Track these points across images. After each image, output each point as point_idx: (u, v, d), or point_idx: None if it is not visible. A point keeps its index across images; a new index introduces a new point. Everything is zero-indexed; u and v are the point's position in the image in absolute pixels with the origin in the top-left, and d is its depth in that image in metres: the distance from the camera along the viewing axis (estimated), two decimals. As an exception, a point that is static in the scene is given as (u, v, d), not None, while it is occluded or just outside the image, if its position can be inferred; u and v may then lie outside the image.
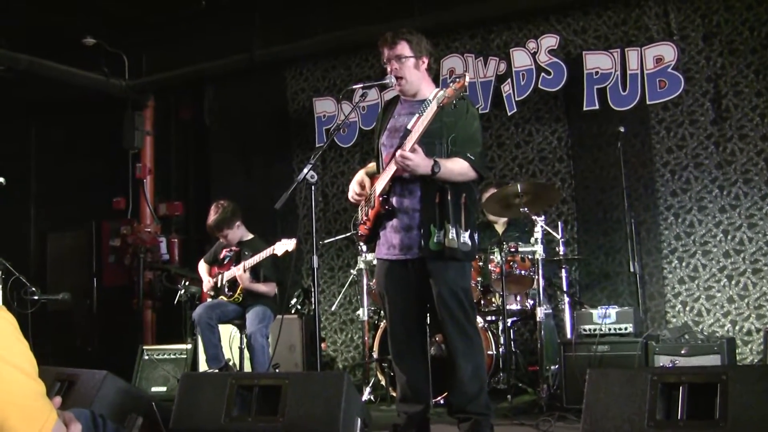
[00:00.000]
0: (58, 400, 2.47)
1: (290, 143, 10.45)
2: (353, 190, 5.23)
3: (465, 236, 4.88)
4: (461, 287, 4.96)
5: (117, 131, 11.23)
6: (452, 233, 4.81)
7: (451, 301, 4.88)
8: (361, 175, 5.27)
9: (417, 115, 4.89)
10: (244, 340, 7.60)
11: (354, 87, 6.21)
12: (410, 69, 5.04)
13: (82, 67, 10.70)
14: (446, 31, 9.26)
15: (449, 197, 4.84)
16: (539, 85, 8.68)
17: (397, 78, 5.04)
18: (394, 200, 4.98)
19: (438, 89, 5.07)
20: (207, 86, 11.18)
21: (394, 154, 4.87)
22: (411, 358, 5.14)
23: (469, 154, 4.87)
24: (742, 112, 7.92)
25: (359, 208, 5.27)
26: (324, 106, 10.05)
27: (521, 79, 8.77)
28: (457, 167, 4.84)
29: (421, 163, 4.70)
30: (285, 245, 7.32)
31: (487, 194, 7.40)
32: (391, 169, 4.89)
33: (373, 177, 5.20)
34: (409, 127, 4.89)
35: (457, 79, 4.64)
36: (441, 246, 4.82)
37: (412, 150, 4.70)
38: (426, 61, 5.09)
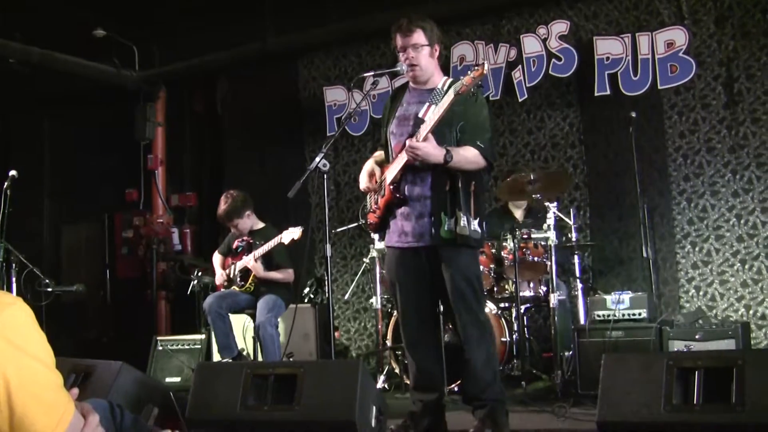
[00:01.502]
0: (75, 391, 2.47)
1: (302, 132, 10.45)
2: (364, 180, 5.23)
3: (474, 224, 4.90)
4: (474, 274, 5.00)
5: (129, 123, 11.24)
6: (463, 221, 4.83)
7: (465, 288, 4.90)
8: (370, 164, 5.27)
9: (428, 103, 4.91)
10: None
11: (365, 75, 6.23)
12: (425, 57, 5.03)
13: (93, 59, 10.71)
14: (457, 18, 9.23)
15: (459, 185, 4.86)
16: (550, 71, 8.65)
17: (411, 66, 5.03)
18: (405, 188, 4.98)
19: (447, 78, 5.12)
20: (219, 76, 11.18)
21: (405, 143, 4.88)
22: (424, 345, 5.15)
23: (478, 142, 4.87)
24: (755, 96, 7.89)
25: (368, 197, 5.28)
26: (334, 94, 10.05)
27: (532, 66, 8.75)
28: (470, 155, 4.84)
29: (432, 152, 4.71)
30: (291, 233, 7.32)
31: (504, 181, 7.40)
32: (403, 157, 4.90)
33: (382, 166, 5.21)
34: (420, 115, 4.90)
35: (476, 68, 4.65)
36: (452, 234, 4.83)
37: (424, 139, 4.71)
38: (438, 49, 5.09)
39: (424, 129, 4.75)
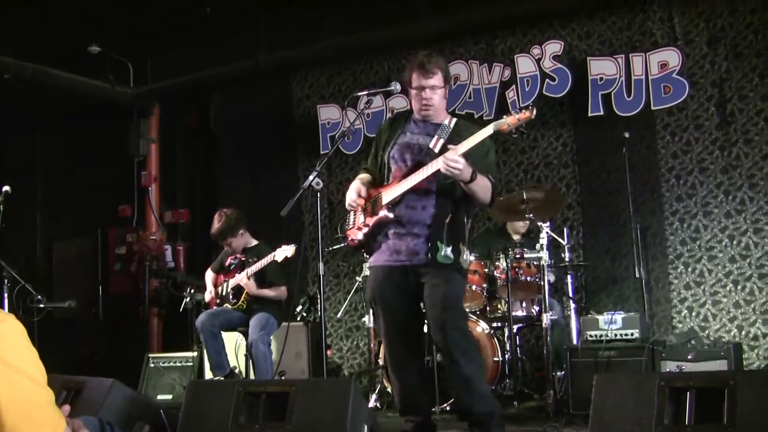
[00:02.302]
0: (66, 408, 2.47)
1: (296, 150, 10.44)
2: (351, 197, 5.24)
3: (467, 253, 5.11)
4: (460, 295, 5.16)
5: (122, 139, 11.23)
6: (466, 254, 5.04)
7: (453, 306, 4.96)
8: (357, 183, 5.28)
9: (437, 137, 5.06)
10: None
11: (359, 94, 6.23)
12: (440, 98, 5.15)
13: (87, 75, 10.71)
14: (451, 37, 9.26)
15: (460, 216, 5.04)
16: (544, 91, 8.68)
17: (427, 106, 5.11)
18: (404, 211, 5.02)
19: (451, 117, 5.26)
20: (212, 93, 11.19)
21: (413, 170, 4.98)
22: (411, 368, 5.17)
23: (490, 176, 4.97)
24: (747, 117, 7.92)
25: (351, 213, 5.31)
26: (328, 113, 10.06)
27: (526, 85, 8.78)
28: (485, 184, 4.93)
29: (464, 170, 4.74)
30: (284, 251, 7.33)
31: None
32: (409, 182, 4.96)
33: (371, 186, 5.24)
34: (431, 146, 5.03)
35: (523, 111, 4.70)
36: (449, 260, 4.93)
37: (461, 156, 4.75)
38: (448, 88, 5.23)
39: (461, 148, 4.77)
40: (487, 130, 4.76)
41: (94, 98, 11.05)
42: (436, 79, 5.08)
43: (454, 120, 5.18)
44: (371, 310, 6.14)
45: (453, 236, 4.96)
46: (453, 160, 4.69)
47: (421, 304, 5.07)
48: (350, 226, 5.29)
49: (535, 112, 4.72)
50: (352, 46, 9.80)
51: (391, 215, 5.02)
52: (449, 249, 4.92)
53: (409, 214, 5.02)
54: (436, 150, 4.97)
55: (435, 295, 4.93)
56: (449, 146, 4.86)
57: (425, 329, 5.39)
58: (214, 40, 10.62)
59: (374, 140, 5.48)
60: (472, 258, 5.06)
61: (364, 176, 5.38)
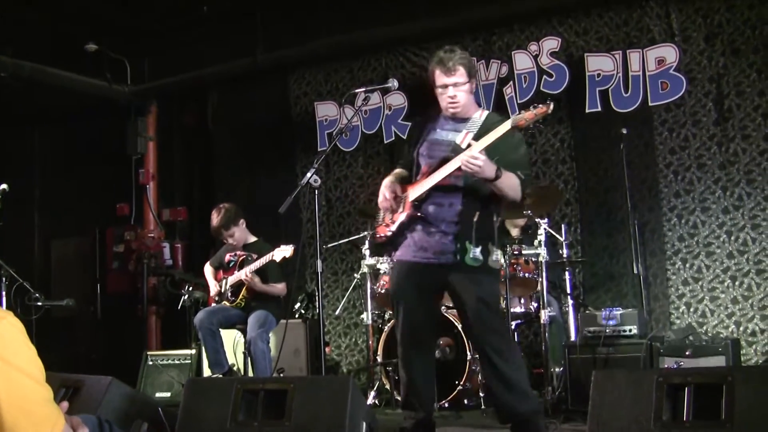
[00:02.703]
0: (65, 404, 2.47)
1: (294, 147, 10.45)
2: (383, 194, 5.20)
3: (498, 254, 5.04)
4: (495, 295, 5.07)
5: (120, 137, 11.23)
6: (496, 254, 4.96)
7: (484, 309, 4.89)
8: (389, 180, 5.26)
9: (466, 131, 4.98)
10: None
11: (356, 91, 6.22)
12: (466, 94, 5.06)
13: (84, 74, 10.70)
14: (448, 34, 9.25)
15: (487, 215, 4.96)
16: (541, 88, 8.68)
17: (453, 104, 5.04)
18: (430, 208, 5.00)
19: (483, 109, 5.22)
20: (210, 91, 11.19)
21: (438, 166, 4.93)
22: (418, 363, 5.16)
23: (519, 173, 4.89)
24: (745, 112, 7.92)
25: (382, 211, 5.28)
26: (326, 110, 10.07)
27: (523, 82, 8.78)
28: (512, 182, 4.86)
29: (486, 167, 4.68)
30: (283, 251, 7.32)
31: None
32: (437, 176, 4.92)
33: (403, 183, 5.21)
34: (458, 141, 4.95)
35: (540, 105, 4.64)
36: (478, 262, 4.86)
37: (481, 152, 4.69)
38: (474, 83, 5.14)
39: (480, 145, 4.73)
40: (505, 126, 4.70)
41: (92, 97, 11.05)
42: (459, 76, 4.98)
43: (485, 113, 5.10)
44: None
45: (482, 236, 4.89)
46: (472, 158, 4.65)
47: (440, 304, 5.04)
48: (380, 223, 5.28)
49: (552, 107, 4.65)
50: (350, 44, 9.79)
51: (417, 213, 5.01)
52: (478, 250, 4.85)
53: (435, 211, 4.98)
54: (463, 145, 4.89)
55: (467, 299, 4.91)
56: (471, 141, 4.83)
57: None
58: (212, 39, 10.62)
59: (407, 136, 5.46)
60: (501, 259, 4.95)
61: (397, 171, 5.37)
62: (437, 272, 4.98)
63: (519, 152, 5.00)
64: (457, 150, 4.87)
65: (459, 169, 4.80)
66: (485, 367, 5.03)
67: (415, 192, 5.04)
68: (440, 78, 5.03)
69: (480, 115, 5.07)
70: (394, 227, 5.14)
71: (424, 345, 5.19)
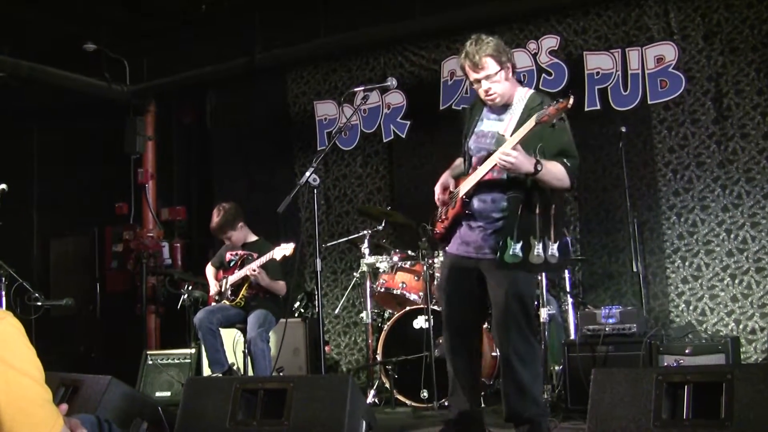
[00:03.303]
0: (64, 407, 2.47)
1: (292, 146, 10.45)
2: (437, 191, 5.20)
3: (554, 248, 4.84)
4: (528, 294, 4.95)
5: (119, 136, 11.22)
6: (538, 248, 4.77)
7: (515, 307, 4.84)
8: (445, 176, 5.24)
9: (509, 117, 4.92)
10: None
11: (355, 90, 6.22)
12: (501, 83, 4.94)
13: (83, 73, 10.70)
14: (447, 33, 9.25)
15: (537, 210, 4.80)
16: (540, 86, 8.67)
17: (489, 96, 4.96)
18: (476, 204, 4.96)
19: (527, 89, 5.09)
20: (208, 90, 11.19)
21: (484, 159, 4.87)
22: (460, 355, 5.15)
23: (565, 160, 4.80)
24: (744, 111, 7.92)
25: (440, 207, 5.25)
26: (325, 109, 10.07)
27: (522, 80, 8.76)
28: (557, 170, 4.76)
29: (524, 161, 4.60)
30: (283, 249, 7.32)
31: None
32: (480, 172, 4.87)
33: (458, 178, 5.18)
34: (501, 132, 4.86)
35: (561, 100, 4.55)
36: (517, 259, 4.76)
37: (514, 149, 4.61)
38: (510, 66, 4.99)
39: (513, 140, 4.66)
40: (530, 124, 4.61)
41: (91, 96, 11.04)
42: (488, 68, 4.88)
43: (529, 94, 4.97)
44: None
45: (524, 231, 4.76)
46: (506, 154, 4.57)
47: (483, 297, 4.99)
48: (438, 219, 5.25)
49: (572, 100, 4.54)
50: (348, 44, 9.79)
51: (466, 209, 4.98)
52: (518, 246, 4.74)
53: (480, 207, 4.95)
54: (508, 134, 4.79)
55: (497, 297, 4.87)
56: (507, 137, 4.75)
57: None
58: (210, 38, 10.60)
59: (461, 124, 5.40)
60: (556, 252, 4.83)
61: (455, 165, 5.32)
62: (476, 266, 4.97)
63: (563, 139, 4.86)
64: (500, 141, 4.77)
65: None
66: (503, 367, 4.97)
67: (464, 188, 4.99)
68: (470, 74, 4.97)
69: (522, 97, 4.96)
70: (446, 223, 5.14)
71: (467, 336, 5.16)
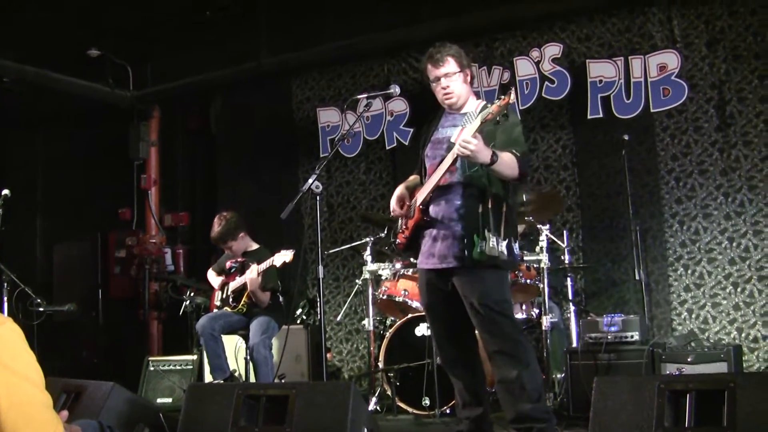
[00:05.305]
0: (65, 413, 2.47)
1: (296, 153, 10.45)
2: (392, 205, 5.24)
3: (503, 245, 4.85)
4: (497, 298, 4.90)
5: (122, 142, 11.24)
6: (492, 242, 4.79)
7: (486, 312, 4.84)
8: (400, 189, 5.28)
9: (460, 127, 4.92)
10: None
11: (358, 97, 6.22)
12: (459, 84, 5.09)
13: (87, 79, 10.72)
14: (451, 40, 9.18)
15: (490, 206, 4.84)
16: (543, 94, 8.68)
17: (447, 95, 5.08)
18: (433, 210, 5.00)
19: (481, 101, 5.17)
20: (213, 96, 11.19)
21: (438, 165, 4.91)
22: (461, 365, 5.15)
23: (514, 150, 4.83)
24: (747, 119, 7.92)
25: (399, 219, 5.28)
26: (328, 116, 10.07)
27: (525, 88, 8.78)
28: (509, 160, 4.77)
29: (482, 149, 4.63)
30: (283, 256, 7.30)
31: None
32: (435, 178, 4.92)
33: (414, 189, 5.23)
34: (453, 139, 4.90)
35: (503, 96, 4.60)
36: (484, 256, 4.77)
37: (474, 137, 4.63)
38: (469, 73, 5.16)
39: (470, 130, 4.68)
40: (476, 123, 4.67)
41: (94, 101, 11.06)
42: (449, 66, 5.05)
43: (482, 105, 5.03)
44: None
45: (486, 228, 4.80)
46: (466, 141, 4.59)
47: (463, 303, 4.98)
48: (399, 230, 5.27)
49: (512, 96, 4.65)
50: (353, 50, 9.79)
51: (424, 217, 5.02)
52: (484, 243, 4.77)
53: (437, 211, 4.98)
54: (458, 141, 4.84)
55: (472, 302, 4.86)
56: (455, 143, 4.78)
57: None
58: (215, 43, 10.62)
59: (419, 139, 5.45)
60: (505, 249, 4.83)
61: (411, 178, 5.37)
62: (444, 277, 4.98)
63: (513, 133, 4.94)
64: (451, 148, 4.84)
65: (454, 163, 4.81)
66: (494, 370, 4.97)
67: (420, 196, 5.05)
68: (431, 72, 5.11)
69: (477, 108, 5.00)
70: (408, 234, 5.16)
71: (460, 345, 5.15)
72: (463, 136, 4.66)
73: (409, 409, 6.97)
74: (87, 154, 11.72)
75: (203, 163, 11.53)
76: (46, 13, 9.88)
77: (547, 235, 7.03)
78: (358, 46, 9.72)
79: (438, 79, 5.08)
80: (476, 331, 5.10)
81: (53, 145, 12.40)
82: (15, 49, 10.10)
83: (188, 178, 11.72)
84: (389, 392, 7.17)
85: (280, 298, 7.79)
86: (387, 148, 9.64)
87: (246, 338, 7.57)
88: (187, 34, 10.69)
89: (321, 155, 9.88)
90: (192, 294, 9.05)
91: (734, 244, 7.90)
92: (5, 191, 7.50)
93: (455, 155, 4.73)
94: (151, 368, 8.78)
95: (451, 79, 5.06)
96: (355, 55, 9.93)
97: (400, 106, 9.46)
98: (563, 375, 6.75)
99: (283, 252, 7.32)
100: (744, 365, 6.93)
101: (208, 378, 7.98)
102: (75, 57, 10.59)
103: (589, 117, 8.45)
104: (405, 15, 9.31)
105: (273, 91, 10.64)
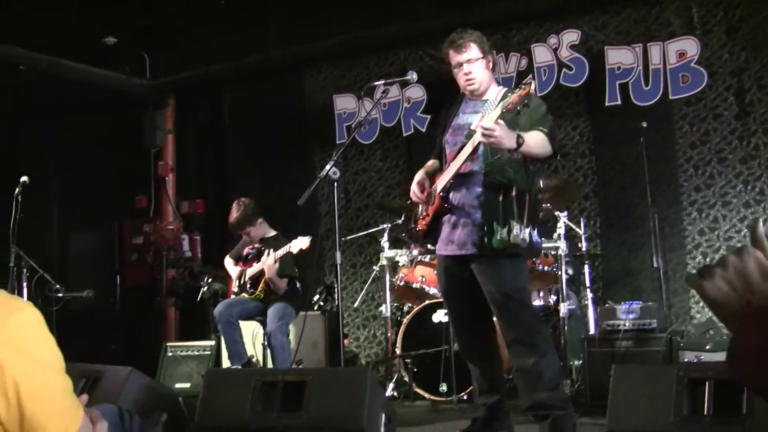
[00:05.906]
0: (84, 397, 2.46)
1: (309, 141, 10.46)
2: (413, 191, 5.21)
3: (526, 232, 4.81)
4: (515, 286, 4.92)
5: (138, 130, 11.26)
6: (516, 229, 4.75)
7: (503, 302, 4.85)
8: (420, 175, 5.25)
9: (481, 114, 4.92)
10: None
11: (375, 83, 6.22)
12: (481, 70, 5.06)
13: (102, 67, 10.73)
14: (468, 28, 9.20)
15: (513, 193, 4.81)
16: (561, 81, 8.66)
17: (469, 80, 5.05)
18: (452, 196, 4.99)
19: (501, 88, 5.17)
20: (227, 85, 11.21)
21: (458, 152, 4.89)
22: (478, 352, 5.16)
23: (541, 128, 4.82)
24: (766, 106, 7.87)
25: (420, 205, 5.27)
26: (344, 103, 10.06)
27: (542, 75, 8.75)
28: (538, 139, 4.77)
29: (506, 135, 4.60)
30: (300, 243, 7.31)
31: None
32: (455, 165, 4.90)
33: (434, 175, 5.21)
34: (473, 126, 4.89)
35: (523, 86, 4.59)
36: (505, 243, 4.75)
37: (496, 123, 4.61)
38: (491, 59, 5.13)
39: (493, 116, 4.66)
40: (497, 111, 4.65)
41: (110, 90, 11.07)
42: (471, 52, 5.02)
43: (503, 92, 5.03)
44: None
45: (508, 215, 4.77)
46: (489, 129, 4.56)
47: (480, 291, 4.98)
48: (419, 216, 5.27)
49: (533, 85, 4.61)
50: (367, 41, 9.76)
51: (445, 204, 5.01)
52: (505, 230, 4.74)
53: (459, 199, 4.97)
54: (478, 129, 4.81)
55: (490, 290, 4.86)
56: (474, 130, 4.78)
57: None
58: (229, 33, 10.61)
59: (437, 123, 5.44)
60: (527, 237, 4.79)
61: (430, 163, 5.35)
62: (463, 264, 4.98)
63: (537, 114, 4.91)
64: (470, 135, 4.84)
65: (475, 151, 4.79)
66: (512, 358, 4.98)
67: (440, 183, 5.04)
68: (453, 57, 5.08)
69: (497, 96, 5.00)
70: (428, 221, 5.16)
71: (477, 332, 5.16)
72: (483, 123, 4.64)
73: (426, 396, 6.98)
74: (103, 142, 11.73)
75: (218, 150, 11.54)
76: (61, 1, 9.87)
77: (565, 222, 7.01)
78: (372, 38, 9.66)
79: (460, 64, 5.05)
80: (494, 319, 5.11)
81: (69, 133, 12.41)
82: (29, 37, 10.10)
83: (203, 165, 11.75)
84: (406, 378, 7.18)
85: (297, 285, 7.80)
86: (404, 135, 9.63)
87: (263, 324, 7.58)
88: (202, 23, 10.67)
89: (336, 142, 9.88)
90: (209, 280, 9.08)
91: (753, 233, 7.85)
92: (24, 178, 7.53)
93: (476, 143, 4.71)
94: (170, 354, 8.82)
95: (473, 64, 5.03)
96: (367, 46, 9.88)
97: (417, 92, 9.44)
98: (580, 362, 6.74)
99: (300, 239, 7.33)
100: (762, 353, 6.88)
101: (225, 364, 8.01)
102: (90, 45, 10.58)
103: (606, 104, 8.42)
104: (419, 5, 9.26)
105: (286, 81, 10.66)
